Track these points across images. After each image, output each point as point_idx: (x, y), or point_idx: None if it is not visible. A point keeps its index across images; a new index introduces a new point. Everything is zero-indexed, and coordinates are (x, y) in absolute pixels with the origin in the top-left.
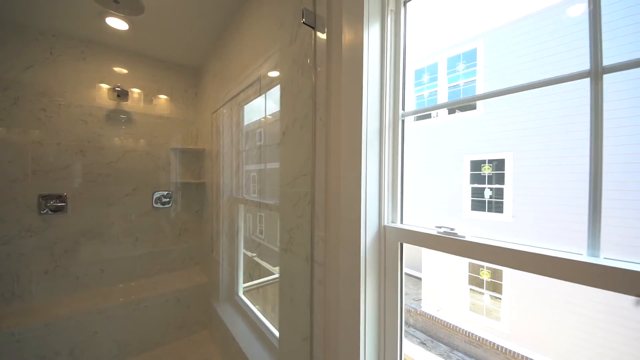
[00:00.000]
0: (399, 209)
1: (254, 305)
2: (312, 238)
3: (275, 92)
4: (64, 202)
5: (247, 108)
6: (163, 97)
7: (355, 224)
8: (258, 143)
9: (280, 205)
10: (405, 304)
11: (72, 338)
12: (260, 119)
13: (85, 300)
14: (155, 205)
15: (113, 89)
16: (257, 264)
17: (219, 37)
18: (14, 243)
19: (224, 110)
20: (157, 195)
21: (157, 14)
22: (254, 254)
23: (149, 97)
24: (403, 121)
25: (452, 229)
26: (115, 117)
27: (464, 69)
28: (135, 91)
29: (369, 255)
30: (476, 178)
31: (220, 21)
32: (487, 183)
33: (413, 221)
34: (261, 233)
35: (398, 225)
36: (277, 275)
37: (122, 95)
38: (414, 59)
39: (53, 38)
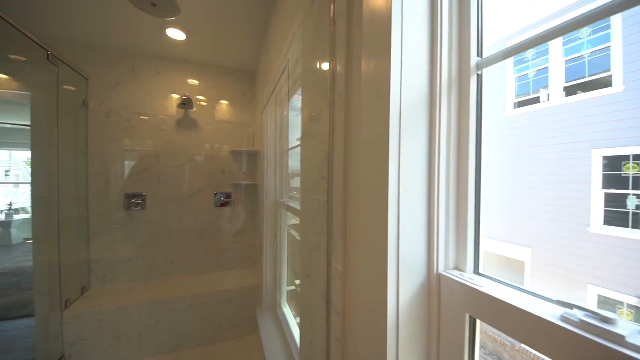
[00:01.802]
0: (469, 245)
1: (295, 320)
2: (328, 270)
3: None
4: (143, 200)
5: (292, 104)
6: (224, 102)
7: (378, 266)
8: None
9: (302, 215)
10: (498, 335)
11: (140, 323)
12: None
13: (156, 289)
14: (216, 205)
15: (181, 98)
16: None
17: (265, 34)
18: (106, 234)
19: (269, 109)
20: (218, 195)
21: (193, 15)
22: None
23: (211, 103)
24: (479, 76)
25: (608, 319)
26: (183, 123)
27: (589, 35)
28: (200, 98)
29: (406, 325)
30: (613, 180)
31: (263, 17)
32: (632, 187)
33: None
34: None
35: (467, 278)
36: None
37: (189, 103)
38: (511, 32)
39: (133, 57)
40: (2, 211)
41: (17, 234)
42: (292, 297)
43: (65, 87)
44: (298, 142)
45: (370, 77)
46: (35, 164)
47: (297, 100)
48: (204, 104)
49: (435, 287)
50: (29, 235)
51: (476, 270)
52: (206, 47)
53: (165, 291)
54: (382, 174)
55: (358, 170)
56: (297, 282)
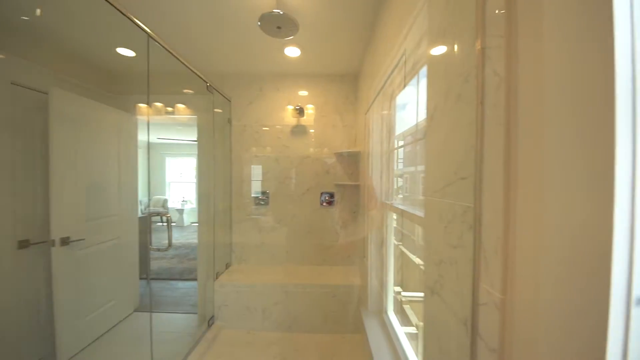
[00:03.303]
0: None
1: (406, 337)
2: (474, 294)
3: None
4: (267, 197)
5: (400, 100)
6: (329, 107)
7: (587, 305)
8: (412, 138)
9: (426, 222)
10: None
11: (263, 300)
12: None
13: (276, 273)
14: (321, 204)
15: (295, 109)
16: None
17: (372, 33)
18: (243, 223)
19: (374, 108)
20: (323, 195)
21: (307, 31)
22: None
23: (319, 109)
24: None
25: None
26: (296, 131)
27: None
28: (310, 107)
29: None
30: None
31: (370, 15)
32: None
33: None
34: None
35: None
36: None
37: (301, 112)
38: None
39: (260, 79)
40: (179, 202)
41: (187, 219)
42: (395, 302)
43: (216, 110)
44: (413, 140)
45: (563, 36)
46: (199, 168)
47: (402, 96)
48: (312, 111)
49: None
50: (193, 220)
51: None
52: (316, 59)
53: (283, 276)
54: (601, 173)
55: (536, 164)
56: (397, 289)
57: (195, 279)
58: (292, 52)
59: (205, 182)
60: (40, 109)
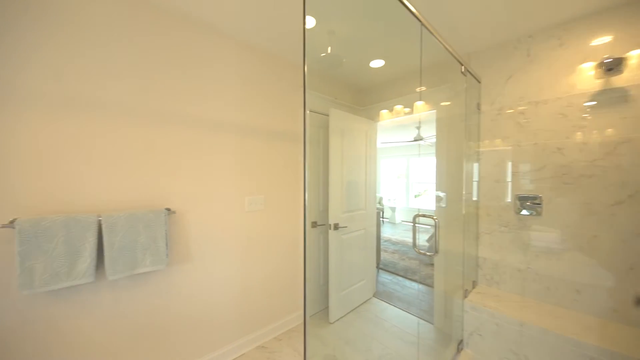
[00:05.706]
0: None
1: None
2: None
3: None
4: (539, 204)
5: None
6: None
7: None
8: None
9: None
10: None
11: (542, 353)
12: None
13: (559, 319)
14: None
15: (599, 65)
16: None
17: None
18: (494, 235)
19: None
20: None
21: None
22: None
23: None
24: None
25: None
26: (602, 100)
27: None
28: (634, 55)
29: None
30: None
31: None
32: None
33: None
34: None
35: None
36: None
37: (615, 67)
38: None
39: (529, 39)
40: (389, 200)
41: (398, 216)
42: None
43: (445, 103)
44: None
45: None
46: (438, 165)
47: None
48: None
49: None
50: (404, 218)
51: None
52: None
53: (577, 328)
54: None
55: None
56: None
57: (421, 282)
58: None
59: (443, 181)
60: (321, 126)
